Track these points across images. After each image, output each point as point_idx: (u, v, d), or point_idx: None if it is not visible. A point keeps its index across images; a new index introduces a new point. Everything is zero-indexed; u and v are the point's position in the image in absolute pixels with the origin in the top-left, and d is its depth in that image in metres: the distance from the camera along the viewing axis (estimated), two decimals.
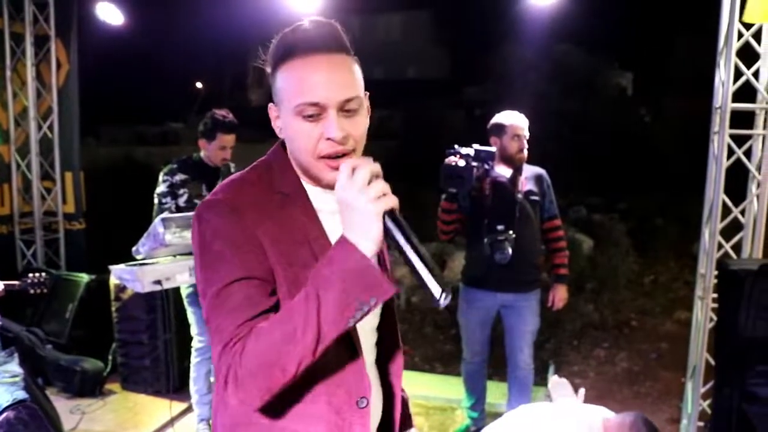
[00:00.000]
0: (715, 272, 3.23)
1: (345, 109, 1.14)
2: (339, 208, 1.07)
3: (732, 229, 3.33)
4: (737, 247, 3.34)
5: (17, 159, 4.94)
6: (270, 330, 1.04)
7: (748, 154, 3.28)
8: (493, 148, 3.10)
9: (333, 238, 1.13)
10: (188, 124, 24.12)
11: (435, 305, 1.05)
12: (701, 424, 3.39)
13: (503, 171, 3.17)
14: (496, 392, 3.71)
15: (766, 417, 2.68)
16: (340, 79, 1.14)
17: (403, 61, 28.08)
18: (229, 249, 1.11)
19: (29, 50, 4.86)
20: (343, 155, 1.14)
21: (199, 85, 29.91)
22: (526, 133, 3.19)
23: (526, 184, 3.19)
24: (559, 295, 3.31)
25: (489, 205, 3.09)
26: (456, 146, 3.03)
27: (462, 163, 2.95)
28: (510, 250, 3.03)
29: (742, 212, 3.31)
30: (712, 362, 3.18)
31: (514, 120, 3.17)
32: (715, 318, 3.21)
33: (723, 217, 3.29)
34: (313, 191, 1.22)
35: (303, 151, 1.16)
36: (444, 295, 1.03)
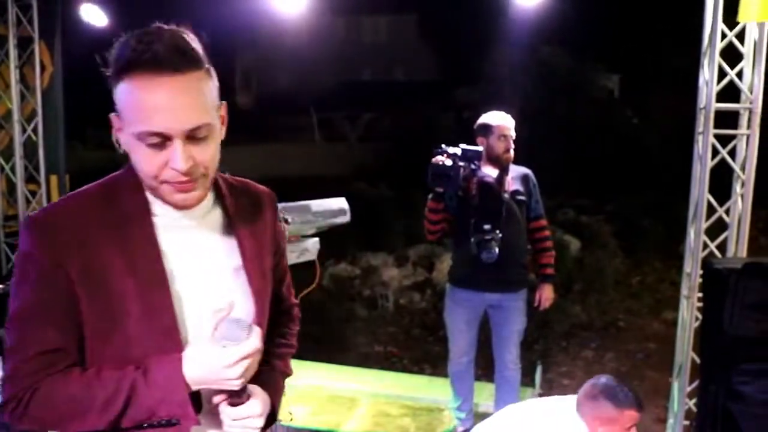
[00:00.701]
0: (701, 271, 3.25)
1: (192, 137, 1.07)
2: (198, 348, 1.08)
3: (717, 228, 3.36)
4: (722, 247, 3.36)
5: (1, 162, 4.90)
6: (68, 387, 1.09)
7: (732, 153, 3.30)
8: (480, 148, 3.11)
9: (177, 256, 1.14)
10: None
11: None
12: (687, 423, 3.41)
13: (490, 171, 3.19)
14: (483, 393, 3.72)
15: (752, 415, 2.70)
16: (186, 106, 1.05)
17: (391, 62, 28.10)
18: (29, 284, 1.12)
19: (12, 52, 4.81)
20: (190, 182, 1.11)
21: None
22: (513, 134, 3.20)
23: (512, 184, 3.21)
24: (546, 295, 3.32)
25: (475, 205, 3.10)
26: (443, 146, 3.05)
27: (449, 162, 2.96)
28: (497, 250, 3.04)
29: (727, 212, 3.34)
30: (698, 361, 3.20)
31: (500, 120, 3.19)
32: (700, 317, 3.23)
33: (708, 217, 3.32)
34: (162, 208, 1.17)
35: (146, 175, 1.11)
36: None
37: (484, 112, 3.30)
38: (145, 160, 1.09)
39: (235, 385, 1.08)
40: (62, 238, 1.10)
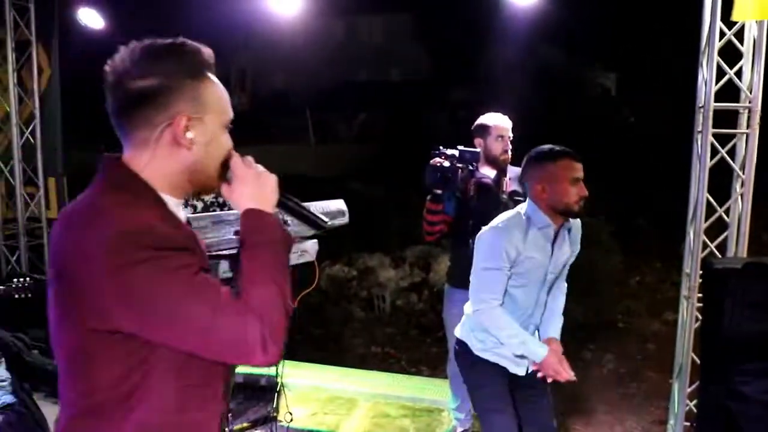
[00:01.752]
0: (701, 272, 3.25)
1: None
2: (240, 190, 1.27)
3: (716, 228, 3.36)
4: (722, 247, 3.36)
5: (0, 165, 4.89)
6: (261, 289, 1.16)
7: (731, 153, 3.31)
8: (477, 149, 3.11)
9: None
10: None
11: (320, 230, 1.46)
12: (688, 423, 3.41)
13: (488, 172, 3.19)
14: None
15: (752, 415, 2.71)
16: None
17: (386, 63, 28.09)
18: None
19: (10, 56, 4.81)
20: None
21: None
22: (510, 134, 3.20)
23: (510, 184, 3.21)
24: None
25: (473, 206, 3.09)
26: (441, 147, 3.04)
27: (446, 163, 2.97)
28: None
29: (727, 211, 3.34)
30: (698, 362, 3.20)
31: (498, 121, 3.19)
32: (700, 317, 3.23)
33: (707, 217, 3.32)
34: (171, 201, 1.25)
35: (219, 158, 1.26)
36: (327, 219, 1.43)
37: (480, 112, 3.30)
38: (225, 146, 1.28)
39: None
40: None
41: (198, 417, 1.23)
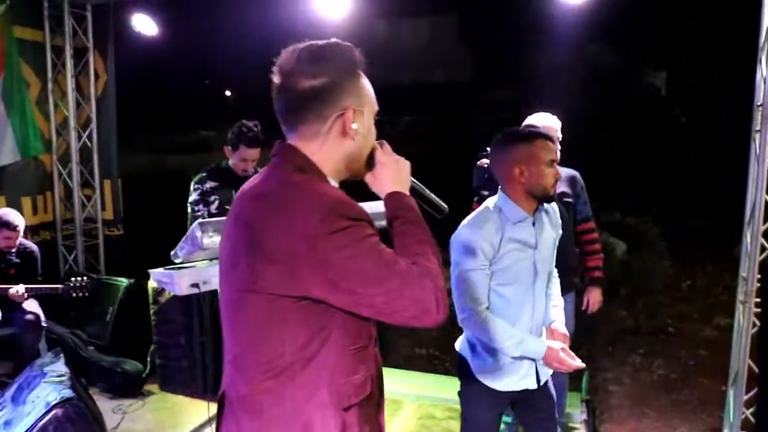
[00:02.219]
0: (758, 275, 3.15)
1: None
2: (384, 175, 1.38)
3: None
4: None
5: (59, 167, 5.08)
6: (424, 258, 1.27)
7: None
8: None
9: None
10: (220, 132, 24.48)
11: (441, 214, 1.57)
12: None
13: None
14: None
15: None
16: None
17: (431, 64, 28.04)
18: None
19: (69, 62, 5.00)
20: None
21: (228, 93, 30.30)
22: (559, 135, 3.15)
23: (559, 185, 3.15)
24: (594, 298, 3.27)
25: None
26: (488, 149, 3.03)
27: None
28: None
29: None
30: (755, 368, 3.11)
31: (545, 121, 3.15)
32: (757, 323, 3.13)
33: (766, 219, 3.21)
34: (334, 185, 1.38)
35: (370, 147, 1.40)
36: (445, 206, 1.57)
37: (525, 112, 3.26)
38: (374, 135, 1.42)
39: None
40: None
41: (360, 379, 1.32)
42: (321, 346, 1.25)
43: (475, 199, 3.15)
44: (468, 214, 3.17)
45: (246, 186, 1.36)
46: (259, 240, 1.21)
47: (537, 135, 2.20)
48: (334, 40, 1.33)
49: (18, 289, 3.72)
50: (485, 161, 2.98)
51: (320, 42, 1.31)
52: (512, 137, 2.20)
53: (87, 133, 5.15)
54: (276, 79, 1.30)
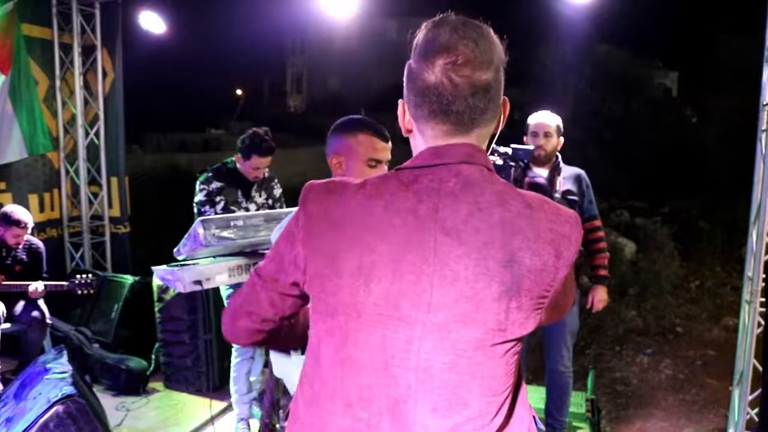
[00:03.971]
0: (764, 275, 3.12)
1: None
2: None
3: None
4: None
5: (66, 165, 5.11)
6: None
7: None
8: (530, 147, 3.07)
9: None
10: (229, 131, 24.59)
11: None
12: None
13: (541, 171, 3.15)
14: (534, 396, 3.65)
15: None
16: None
17: None
18: None
19: (77, 60, 5.03)
20: None
21: (239, 92, 30.42)
22: (551, 130, 3.15)
23: (564, 184, 3.16)
24: (599, 297, 3.25)
25: None
26: (494, 145, 3.03)
27: (500, 162, 2.95)
28: None
29: None
30: (760, 369, 3.08)
31: (535, 118, 3.18)
32: (763, 323, 3.11)
33: None
34: None
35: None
36: None
37: (535, 112, 3.27)
38: None
39: None
40: None
41: None
42: None
43: None
44: None
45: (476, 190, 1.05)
46: (511, 253, 1.05)
47: (363, 128, 1.97)
48: (431, 21, 1.12)
49: (37, 286, 3.74)
50: (491, 158, 2.98)
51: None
52: (340, 125, 2.01)
53: (94, 130, 5.17)
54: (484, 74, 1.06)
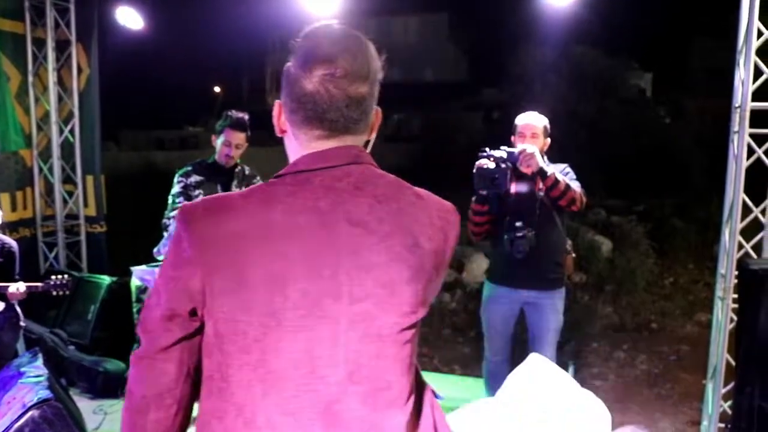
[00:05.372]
0: (736, 272, 3.19)
1: None
2: None
3: (752, 229, 3.29)
4: (758, 247, 3.30)
5: (39, 163, 5.02)
6: None
7: None
8: (518, 149, 3.11)
9: None
10: (207, 129, 24.39)
11: None
12: (722, 425, 3.35)
13: (526, 170, 3.18)
14: None
15: None
16: None
17: (421, 63, 28.12)
18: None
19: (51, 55, 4.94)
20: None
21: (217, 89, 30.19)
22: (538, 132, 3.17)
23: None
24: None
25: (510, 203, 3.12)
26: (487, 149, 3.06)
27: (492, 165, 3.00)
28: (527, 247, 3.04)
29: (763, 212, 3.28)
30: (733, 363, 3.15)
31: (523, 119, 3.21)
32: (735, 318, 3.18)
33: (743, 217, 3.26)
34: None
35: None
36: None
37: (514, 112, 3.31)
38: None
39: None
40: None
41: None
42: None
43: (474, 198, 3.18)
44: (465, 213, 3.19)
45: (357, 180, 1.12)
46: (417, 240, 1.12)
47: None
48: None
49: (18, 287, 3.64)
50: (484, 161, 3.02)
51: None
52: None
53: (69, 127, 5.09)
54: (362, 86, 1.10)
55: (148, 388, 1.10)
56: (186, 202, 1.13)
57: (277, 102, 1.15)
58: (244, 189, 1.13)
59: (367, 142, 1.18)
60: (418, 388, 1.18)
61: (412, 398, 1.14)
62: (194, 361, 1.11)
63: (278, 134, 1.17)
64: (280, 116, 1.15)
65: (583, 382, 4.89)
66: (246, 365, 1.03)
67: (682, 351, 5.55)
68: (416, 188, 1.15)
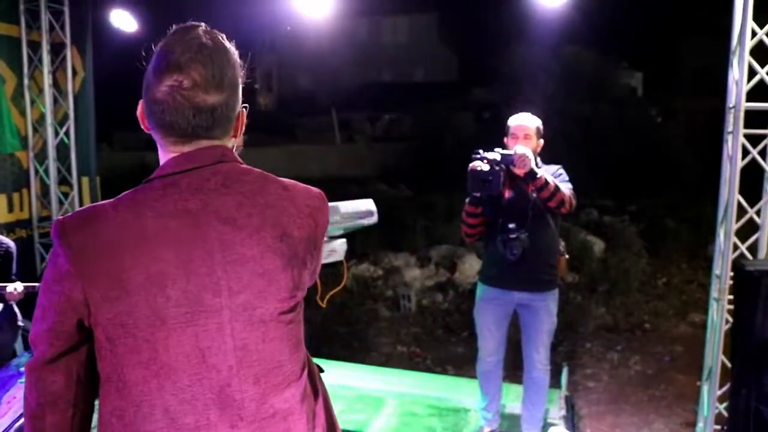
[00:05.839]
0: (731, 273, 3.22)
1: None
2: None
3: (747, 229, 3.32)
4: (753, 248, 3.31)
5: (35, 164, 5.01)
6: None
7: (762, 153, 3.26)
8: (512, 151, 3.11)
9: None
10: None
11: None
12: (717, 427, 3.37)
13: (519, 171, 3.18)
14: (510, 394, 3.72)
15: None
16: None
17: (411, 63, 28.12)
18: None
19: (46, 58, 4.92)
20: None
21: None
22: (530, 133, 3.17)
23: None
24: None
25: (503, 205, 3.12)
26: (481, 151, 3.06)
27: (486, 167, 2.99)
28: (520, 249, 3.05)
29: (758, 212, 3.30)
30: (728, 364, 3.17)
31: (515, 120, 3.21)
32: (730, 319, 3.20)
33: (738, 218, 3.28)
34: None
35: None
36: None
37: (505, 112, 3.29)
38: None
39: None
40: None
41: None
42: None
43: (467, 200, 3.18)
44: (458, 214, 3.18)
45: (231, 176, 1.20)
46: (286, 231, 1.22)
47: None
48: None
49: (16, 287, 3.62)
50: (478, 163, 3.02)
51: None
52: None
53: (64, 129, 5.08)
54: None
55: (40, 396, 1.14)
56: (60, 217, 1.17)
57: (141, 101, 1.18)
58: (114, 198, 1.15)
59: (234, 144, 1.24)
60: (309, 363, 1.28)
61: (305, 372, 1.24)
62: (84, 368, 1.15)
63: (146, 131, 1.20)
64: (143, 115, 1.18)
65: (577, 384, 4.95)
66: (139, 364, 1.09)
67: (675, 352, 5.59)
68: (283, 179, 1.22)
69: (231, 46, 1.18)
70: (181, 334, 1.09)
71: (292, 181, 1.23)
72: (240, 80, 1.19)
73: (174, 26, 1.17)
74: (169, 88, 1.10)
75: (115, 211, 1.10)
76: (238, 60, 1.19)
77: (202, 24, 1.18)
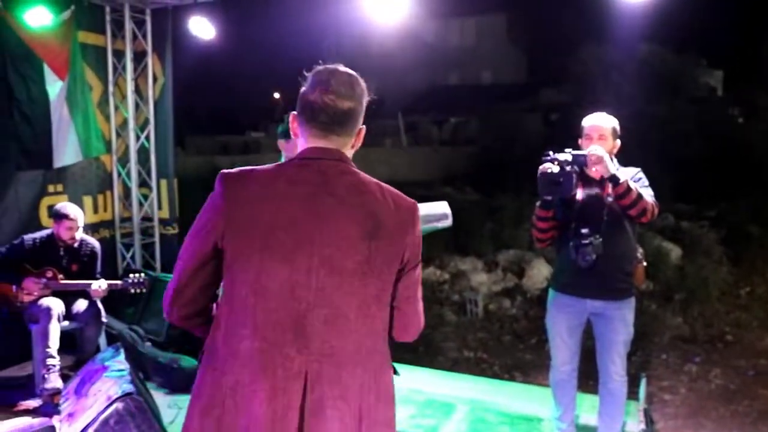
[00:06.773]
0: None
1: None
2: None
3: None
4: None
5: (118, 167, 5.23)
6: None
7: None
8: (585, 152, 3.01)
9: None
10: (269, 134, 24.88)
11: None
12: None
13: (594, 174, 3.08)
14: (585, 404, 3.60)
15: None
16: None
17: (478, 65, 27.85)
18: None
19: (129, 65, 5.14)
20: None
21: (276, 95, 30.71)
22: (606, 133, 3.06)
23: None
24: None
25: (576, 208, 3.01)
26: (551, 152, 2.97)
27: (557, 169, 2.89)
28: (593, 255, 2.93)
29: None
30: None
31: (589, 121, 3.09)
32: None
33: None
34: None
35: None
36: None
37: (576, 113, 3.19)
38: None
39: None
40: None
41: None
42: None
43: (538, 203, 3.09)
44: (526, 218, 3.12)
45: (347, 178, 1.54)
46: (381, 225, 1.54)
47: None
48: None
49: (100, 284, 3.81)
50: (548, 165, 2.92)
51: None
52: None
53: (145, 134, 5.28)
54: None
55: (177, 278, 1.54)
56: (225, 170, 1.54)
57: (292, 113, 1.61)
58: (265, 166, 1.55)
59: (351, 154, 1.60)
60: (381, 347, 1.57)
61: (367, 341, 1.51)
62: (210, 275, 1.53)
63: (293, 136, 1.62)
64: (294, 122, 1.61)
65: (652, 396, 4.76)
66: (245, 282, 1.45)
67: (760, 365, 5.30)
68: (382, 184, 1.56)
69: (359, 77, 1.58)
70: (281, 266, 1.44)
71: (394, 190, 1.57)
72: (365, 100, 1.57)
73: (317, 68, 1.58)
74: (320, 91, 1.52)
75: (263, 174, 1.51)
76: (364, 86, 1.58)
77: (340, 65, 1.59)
